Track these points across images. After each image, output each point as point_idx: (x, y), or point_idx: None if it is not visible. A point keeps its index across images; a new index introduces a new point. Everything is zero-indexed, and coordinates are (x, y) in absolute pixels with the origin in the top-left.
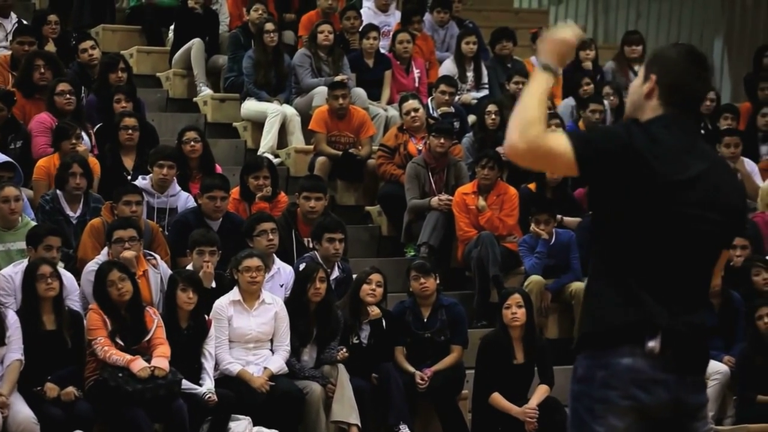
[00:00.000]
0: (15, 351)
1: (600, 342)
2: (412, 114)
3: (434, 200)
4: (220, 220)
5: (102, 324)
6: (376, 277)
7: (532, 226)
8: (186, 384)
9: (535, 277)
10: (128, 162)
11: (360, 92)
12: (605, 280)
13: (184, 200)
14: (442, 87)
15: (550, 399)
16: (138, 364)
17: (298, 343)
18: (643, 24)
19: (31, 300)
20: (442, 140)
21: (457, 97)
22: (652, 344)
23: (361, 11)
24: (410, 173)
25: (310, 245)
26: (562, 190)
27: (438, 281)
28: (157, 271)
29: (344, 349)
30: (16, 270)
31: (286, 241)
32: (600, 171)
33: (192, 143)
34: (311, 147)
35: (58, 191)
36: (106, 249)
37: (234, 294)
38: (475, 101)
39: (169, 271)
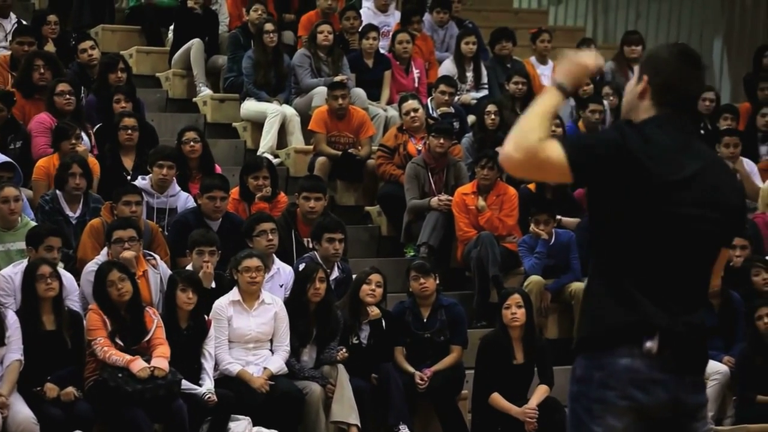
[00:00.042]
0: (15, 351)
1: (598, 344)
2: (412, 114)
3: (434, 200)
4: (220, 221)
5: (102, 324)
6: (375, 277)
7: (532, 227)
8: (186, 384)
9: (535, 278)
10: (128, 162)
11: (359, 92)
12: (602, 281)
13: (184, 200)
14: (442, 87)
15: (550, 399)
16: (138, 365)
17: (298, 344)
18: (642, 24)
19: (31, 300)
20: (441, 140)
21: (456, 98)
22: (650, 344)
23: (361, 11)
24: (410, 173)
25: (310, 245)
26: (562, 190)
27: (438, 281)
28: (157, 272)
29: (344, 350)
30: (15, 270)
31: (285, 242)
32: (594, 175)
33: (191, 143)
34: (311, 147)
35: (57, 191)
36: (105, 249)
37: (234, 294)
38: (475, 101)
39: (169, 272)
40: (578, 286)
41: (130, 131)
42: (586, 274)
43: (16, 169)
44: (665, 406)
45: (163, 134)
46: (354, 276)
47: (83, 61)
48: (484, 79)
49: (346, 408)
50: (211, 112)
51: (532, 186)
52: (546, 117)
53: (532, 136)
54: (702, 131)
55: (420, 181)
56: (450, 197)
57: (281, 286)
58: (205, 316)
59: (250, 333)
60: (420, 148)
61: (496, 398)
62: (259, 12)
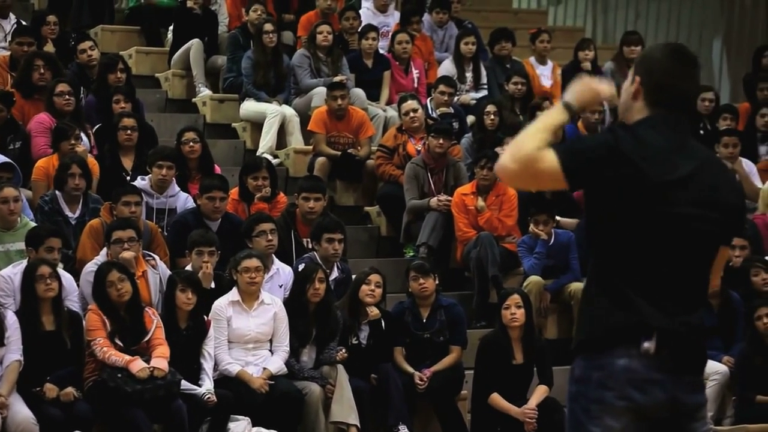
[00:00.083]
0: (14, 351)
1: (596, 345)
2: (411, 114)
3: (433, 201)
4: (219, 221)
5: (101, 324)
6: (375, 277)
7: (531, 227)
8: (185, 384)
9: (534, 278)
10: (127, 162)
11: (359, 93)
12: (599, 283)
13: (183, 201)
14: (441, 87)
15: (549, 399)
16: (137, 365)
17: (298, 344)
18: (642, 24)
19: (31, 301)
20: (441, 141)
21: (456, 98)
22: (648, 344)
23: (360, 12)
24: (409, 174)
25: (309, 246)
26: (561, 190)
27: (437, 282)
28: (156, 272)
29: (343, 350)
30: (15, 271)
31: (285, 242)
32: (588, 179)
33: (191, 144)
34: (310, 147)
35: (57, 192)
36: (105, 250)
37: (233, 294)
38: (474, 102)
39: (168, 272)
40: (578, 286)
41: (129, 131)
42: (585, 275)
43: (16, 169)
44: (663, 406)
45: (163, 135)
46: (353, 276)
47: (82, 62)
48: (484, 80)
49: (345, 408)
50: (211, 113)
51: None
52: (545, 130)
53: (527, 146)
54: (701, 131)
55: (419, 182)
56: (449, 197)
57: (281, 287)
58: (205, 317)
59: (250, 333)
60: (419, 149)
61: (496, 398)
62: (259, 12)
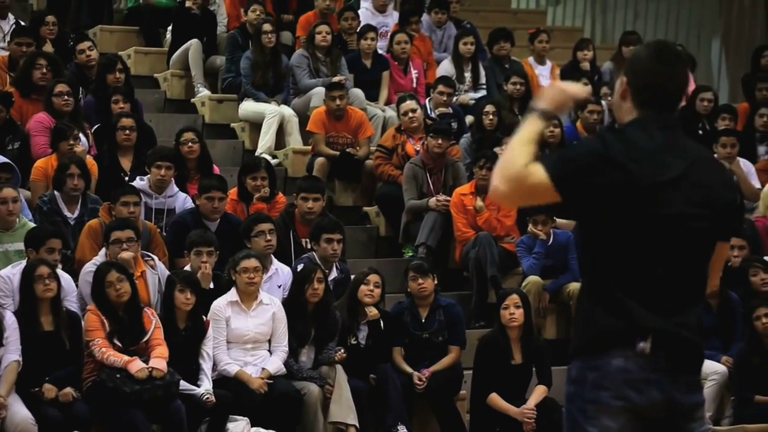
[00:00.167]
0: (13, 352)
1: (591, 349)
2: (410, 114)
3: (432, 201)
4: (218, 221)
5: (100, 325)
6: (374, 277)
7: (530, 227)
8: (184, 385)
9: (533, 278)
10: (125, 163)
11: (358, 93)
12: (593, 289)
13: (182, 201)
14: (440, 87)
15: (548, 399)
16: (136, 365)
17: (296, 344)
18: (641, 24)
19: (29, 301)
20: (439, 141)
21: (454, 98)
22: (643, 345)
23: (359, 12)
24: (408, 174)
25: (308, 246)
26: None
27: (436, 282)
28: (155, 272)
29: (342, 350)
30: (14, 271)
31: (284, 242)
32: (579, 188)
33: (190, 144)
34: (309, 148)
35: (55, 192)
36: (103, 250)
37: (232, 295)
38: (473, 102)
39: (167, 272)
40: (576, 286)
41: (127, 131)
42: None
43: (14, 169)
44: (660, 406)
45: (162, 135)
46: (352, 276)
47: (81, 62)
48: (483, 80)
49: (344, 408)
50: (210, 113)
51: None
52: (528, 143)
53: (515, 164)
54: (700, 131)
55: (418, 182)
56: (448, 197)
57: (279, 287)
58: (204, 317)
59: (249, 333)
60: (418, 149)
61: (495, 398)
62: (258, 12)
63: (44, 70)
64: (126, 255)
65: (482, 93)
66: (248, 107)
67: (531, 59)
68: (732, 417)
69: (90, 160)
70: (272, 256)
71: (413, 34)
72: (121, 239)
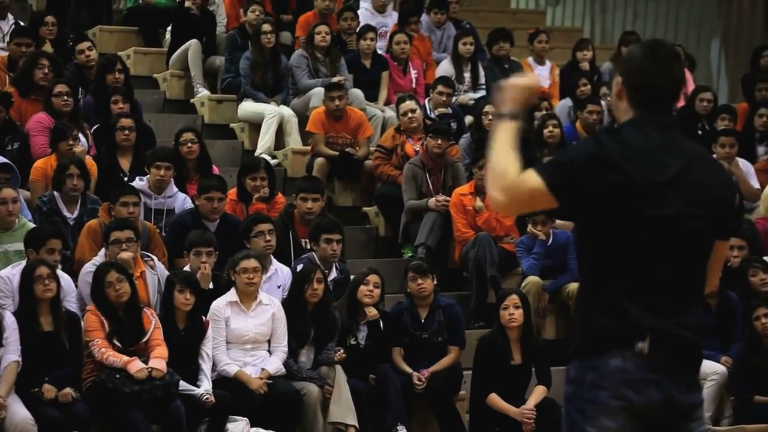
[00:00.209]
0: (12, 352)
1: (590, 350)
2: (410, 115)
3: (431, 201)
4: (218, 221)
5: (99, 325)
6: (373, 278)
7: (530, 227)
8: (183, 385)
9: (533, 278)
10: (125, 163)
11: (357, 93)
12: (591, 290)
13: (182, 201)
14: (440, 88)
15: (548, 400)
16: (135, 366)
17: (296, 344)
18: (640, 24)
19: (29, 301)
20: (439, 141)
21: (454, 98)
22: (641, 345)
23: (358, 12)
24: (407, 174)
25: (308, 246)
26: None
27: (435, 282)
28: (155, 273)
29: (341, 350)
30: (14, 271)
31: (283, 242)
32: (576, 192)
33: (189, 144)
34: (308, 148)
35: (55, 192)
36: (103, 250)
37: (231, 295)
38: (472, 102)
39: (167, 272)
40: (576, 286)
41: (127, 132)
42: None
43: (14, 170)
44: (659, 406)
45: (161, 135)
46: (352, 277)
47: (81, 62)
48: (482, 80)
49: (343, 409)
50: (209, 113)
51: None
52: (511, 150)
53: (508, 173)
54: (699, 131)
55: (417, 182)
56: (447, 198)
57: (279, 287)
58: (203, 317)
59: (248, 334)
60: (417, 149)
61: (494, 399)
62: (257, 13)
63: (46, 70)
64: (125, 255)
65: (481, 93)
66: (248, 107)
67: (530, 59)
68: (731, 417)
69: (89, 161)
70: (272, 256)
71: (412, 34)
72: (121, 239)
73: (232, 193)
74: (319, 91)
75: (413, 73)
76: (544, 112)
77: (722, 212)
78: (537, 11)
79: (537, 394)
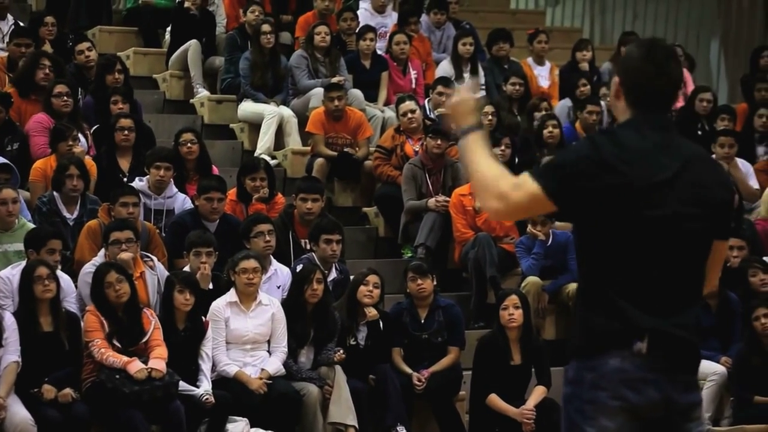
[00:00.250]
0: (12, 353)
1: (589, 351)
2: (409, 115)
3: (431, 201)
4: (217, 222)
5: (99, 326)
6: (373, 278)
7: (529, 227)
8: (183, 385)
9: (532, 278)
10: (124, 163)
11: (357, 93)
12: (588, 291)
13: (181, 202)
14: (439, 88)
15: (547, 400)
16: (135, 366)
17: (295, 345)
18: (639, 25)
19: (28, 302)
20: (438, 141)
21: None
22: (640, 345)
23: (358, 12)
24: (407, 174)
25: (308, 246)
26: None
27: (435, 282)
28: (154, 273)
29: (341, 351)
30: (14, 272)
31: (283, 243)
32: (574, 195)
33: (189, 145)
34: (308, 148)
35: (54, 193)
36: (103, 251)
37: (231, 295)
38: None
39: (166, 273)
40: (575, 286)
41: (126, 132)
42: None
43: (14, 170)
44: (657, 406)
45: (161, 135)
46: (351, 277)
47: (80, 63)
48: (482, 80)
49: (343, 409)
50: (209, 114)
51: None
52: (492, 159)
53: (499, 181)
54: (699, 132)
55: (417, 182)
56: (447, 198)
57: (278, 288)
58: (203, 318)
59: (248, 334)
60: (417, 149)
61: (494, 399)
62: (256, 13)
63: (47, 71)
64: (125, 256)
65: (481, 94)
66: (247, 108)
67: (530, 60)
68: (731, 417)
69: (89, 161)
70: (271, 256)
71: (412, 34)
72: (121, 240)
73: (232, 193)
74: (318, 92)
75: (413, 74)
76: (543, 112)
77: (720, 212)
78: (536, 11)
79: (537, 394)
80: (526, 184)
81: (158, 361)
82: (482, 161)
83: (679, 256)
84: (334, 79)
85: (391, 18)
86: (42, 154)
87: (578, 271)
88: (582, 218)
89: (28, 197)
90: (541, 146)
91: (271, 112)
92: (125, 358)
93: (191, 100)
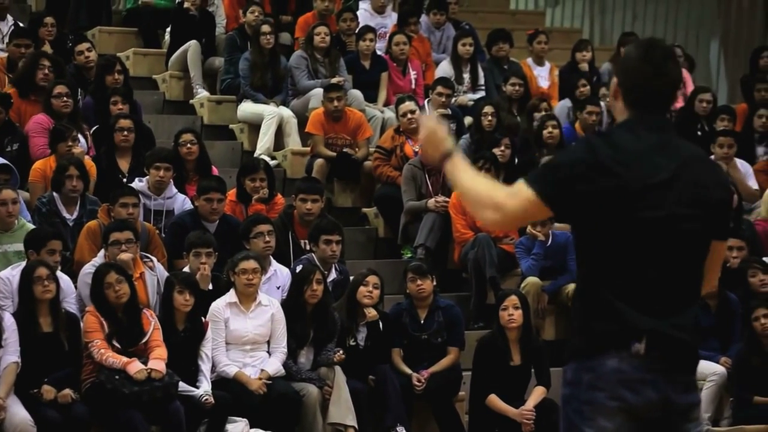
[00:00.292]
0: (11, 353)
1: (587, 353)
2: (409, 116)
3: (431, 202)
4: (217, 222)
5: (99, 326)
6: (372, 278)
7: (529, 228)
8: (183, 386)
9: (532, 279)
10: (123, 164)
11: (356, 94)
12: (585, 293)
13: (181, 202)
14: (439, 89)
15: (547, 400)
16: (135, 367)
17: (295, 345)
18: (639, 25)
19: (28, 302)
20: None
21: (453, 99)
22: (638, 346)
23: (358, 13)
24: (407, 175)
25: (307, 247)
26: None
27: (435, 283)
28: (154, 274)
29: (341, 351)
30: (13, 272)
31: (282, 243)
32: (570, 198)
33: (188, 145)
34: (308, 149)
35: (54, 193)
36: (102, 251)
37: (230, 296)
38: (472, 103)
39: (166, 273)
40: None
41: (125, 133)
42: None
43: (13, 171)
44: (655, 406)
45: (160, 136)
46: (351, 278)
47: (80, 63)
48: (481, 81)
49: (343, 410)
50: (208, 114)
51: None
52: (480, 174)
53: (495, 193)
54: (699, 132)
55: (417, 183)
56: (447, 199)
57: (278, 288)
58: (202, 318)
59: (247, 335)
60: (417, 150)
61: (493, 400)
62: (256, 14)
63: (47, 71)
64: (125, 256)
65: (481, 94)
66: (247, 108)
67: (530, 60)
68: (731, 418)
69: (88, 162)
70: (271, 257)
71: (412, 35)
72: (120, 240)
73: (232, 194)
74: (318, 92)
75: (412, 74)
76: (543, 113)
77: (718, 213)
78: (536, 12)
79: (536, 394)
80: (522, 192)
81: (158, 361)
82: (471, 178)
83: (676, 256)
84: (334, 80)
85: (391, 18)
86: (41, 154)
87: (577, 272)
88: (579, 221)
89: (27, 198)
90: (540, 147)
91: (270, 113)
92: (125, 359)
93: (191, 101)
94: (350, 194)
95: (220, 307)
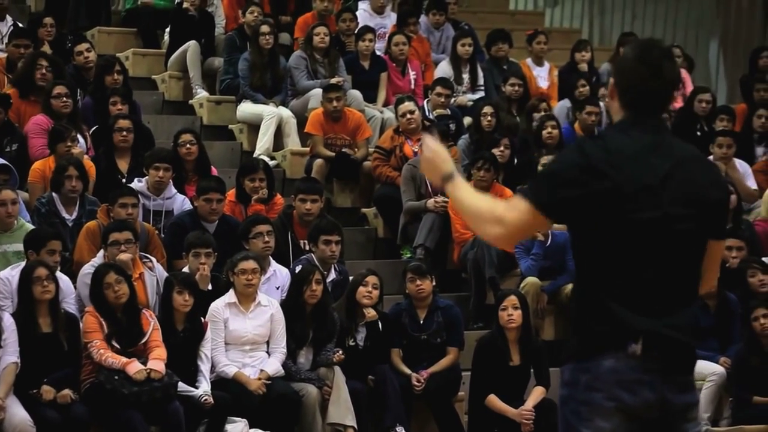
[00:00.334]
0: (11, 354)
1: (584, 353)
2: (408, 116)
3: (430, 202)
4: (216, 223)
5: (98, 327)
6: (372, 279)
7: None
8: (182, 386)
9: (531, 279)
10: (122, 164)
11: (356, 94)
12: (582, 293)
13: (180, 203)
14: (438, 89)
15: (546, 400)
16: (134, 367)
17: (295, 346)
18: (638, 25)
19: (27, 303)
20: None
21: (452, 99)
22: (634, 347)
23: (357, 13)
24: (406, 175)
25: (307, 247)
26: None
27: (434, 283)
28: (153, 274)
29: (340, 351)
30: (13, 273)
31: (282, 244)
32: (566, 205)
33: (188, 146)
34: (307, 149)
35: (53, 194)
36: (102, 252)
37: (230, 296)
38: (471, 103)
39: (165, 274)
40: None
41: (124, 133)
42: None
43: (13, 171)
44: (652, 406)
45: (160, 136)
46: (350, 278)
47: (79, 64)
48: (481, 81)
49: (342, 410)
50: (208, 114)
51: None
52: (480, 193)
53: (496, 208)
54: (698, 132)
55: (416, 183)
56: (446, 199)
57: (278, 288)
58: (202, 318)
59: (247, 335)
60: (416, 150)
61: (493, 400)
62: (255, 14)
63: (44, 71)
64: (124, 257)
65: (480, 94)
66: (246, 109)
67: (529, 60)
68: (730, 418)
69: (88, 162)
70: (270, 257)
71: (411, 35)
72: (120, 241)
73: (231, 194)
74: (317, 93)
75: (412, 74)
76: (542, 113)
77: (714, 212)
78: (535, 12)
79: (535, 395)
80: (518, 204)
81: (157, 362)
82: (472, 197)
83: (672, 257)
84: (333, 80)
85: (390, 19)
86: (41, 155)
87: (575, 273)
88: (575, 224)
89: (27, 198)
90: (540, 147)
91: (270, 113)
92: (124, 359)
93: (190, 101)
94: (349, 194)
95: (219, 307)
